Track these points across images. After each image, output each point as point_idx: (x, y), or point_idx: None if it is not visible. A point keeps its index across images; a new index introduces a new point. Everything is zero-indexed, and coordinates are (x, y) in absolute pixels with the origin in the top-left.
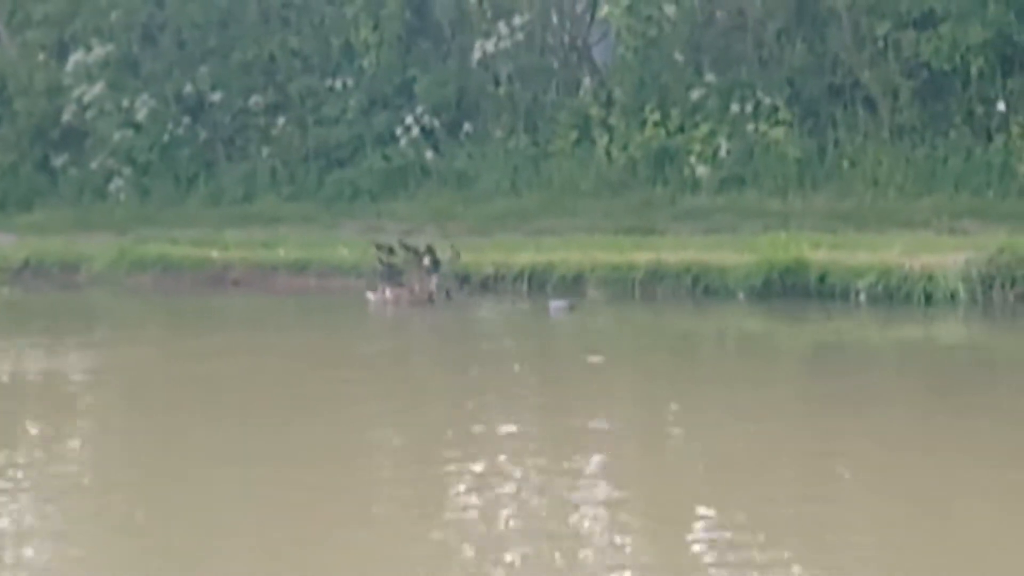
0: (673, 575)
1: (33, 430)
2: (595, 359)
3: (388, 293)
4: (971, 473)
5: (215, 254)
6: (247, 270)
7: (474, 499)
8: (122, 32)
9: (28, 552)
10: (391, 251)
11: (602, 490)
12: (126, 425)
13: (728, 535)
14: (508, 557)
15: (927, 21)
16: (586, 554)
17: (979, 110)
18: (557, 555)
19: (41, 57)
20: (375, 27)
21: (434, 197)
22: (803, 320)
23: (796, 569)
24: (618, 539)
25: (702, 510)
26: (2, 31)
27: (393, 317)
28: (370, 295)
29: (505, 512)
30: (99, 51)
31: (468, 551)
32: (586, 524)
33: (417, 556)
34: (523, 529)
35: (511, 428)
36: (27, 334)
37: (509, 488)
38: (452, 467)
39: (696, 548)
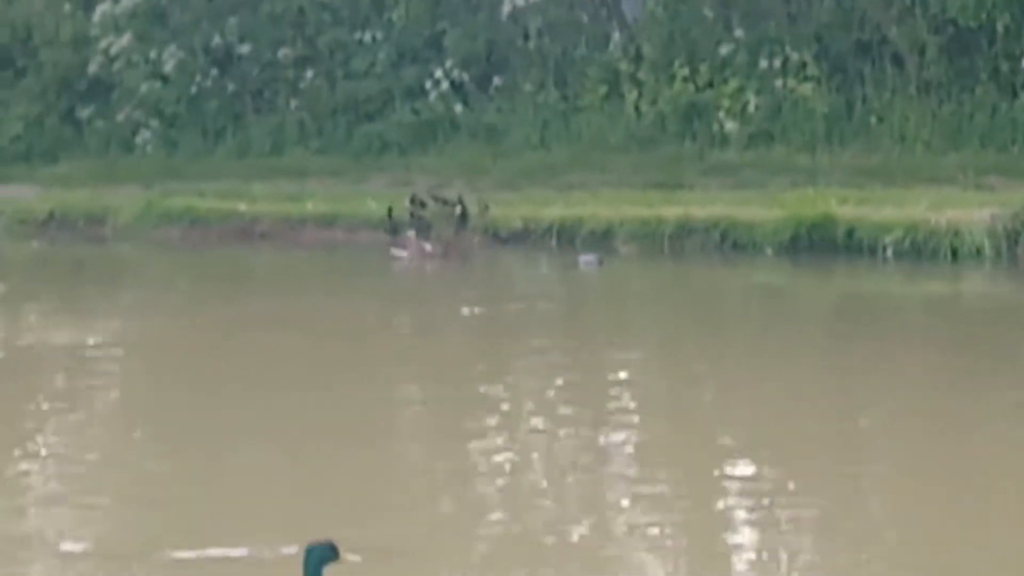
0: (698, 502)
1: (50, 404)
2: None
3: (418, 247)
4: (990, 421)
5: (243, 207)
6: (274, 223)
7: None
8: None
9: (59, 511)
10: (423, 204)
11: (635, 421)
12: (153, 396)
13: (752, 470)
14: (543, 483)
15: None
16: (616, 478)
17: (1005, 67)
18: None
19: (67, 7)
20: None
21: (463, 151)
22: (830, 274)
23: (819, 502)
24: (649, 465)
25: (727, 441)
26: None
27: (418, 269)
28: (396, 251)
29: (543, 447)
30: (126, 2)
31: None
32: (617, 450)
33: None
34: (552, 458)
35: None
36: (53, 296)
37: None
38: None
39: (720, 479)
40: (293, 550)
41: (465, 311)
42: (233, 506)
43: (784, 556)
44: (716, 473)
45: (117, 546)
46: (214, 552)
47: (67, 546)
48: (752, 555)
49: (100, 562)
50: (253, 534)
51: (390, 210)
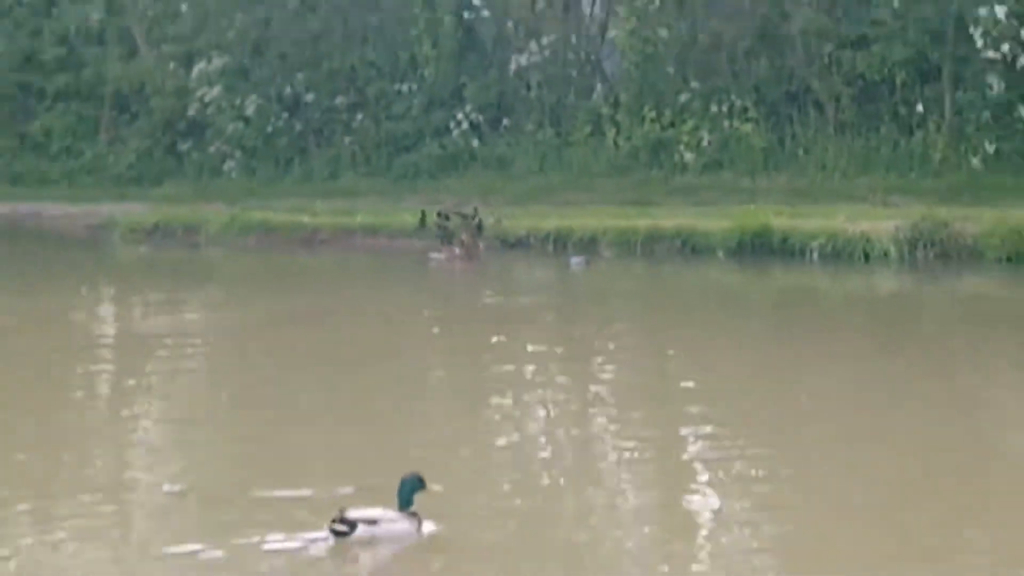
0: (665, 437)
1: (154, 376)
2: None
3: (445, 252)
4: (901, 387)
5: (306, 219)
6: (331, 232)
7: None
8: (236, 46)
9: (161, 460)
10: (447, 218)
11: (615, 378)
12: (236, 368)
13: (710, 429)
14: (543, 413)
15: (862, 42)
16: (599, 417)
17: (903, 111)
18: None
19: (172, 66)
20: (434, 44)
21: (479, 177)
22: (769, 273)
23: (765, 450)
24: (620, 424)
25: (692, 409)
26: (142, 44)
27: (447, 268)
28: (433, 254)
29: (531, 408)
30: (217, 62)
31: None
32: (600, 399)
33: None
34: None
35: (540, 346)
36: (157, 290)
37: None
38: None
39: (683, 418)
40: (349, 490)
41: (486, 299)
42: (300, 455)
43: (736, 488)
44: (679, 411)
45: (208, 488)
46: (285, 492)
47: (167, 487)
48: (707, 477)
49: (195, 500)
50: (315, 478)
51: (423, 218)
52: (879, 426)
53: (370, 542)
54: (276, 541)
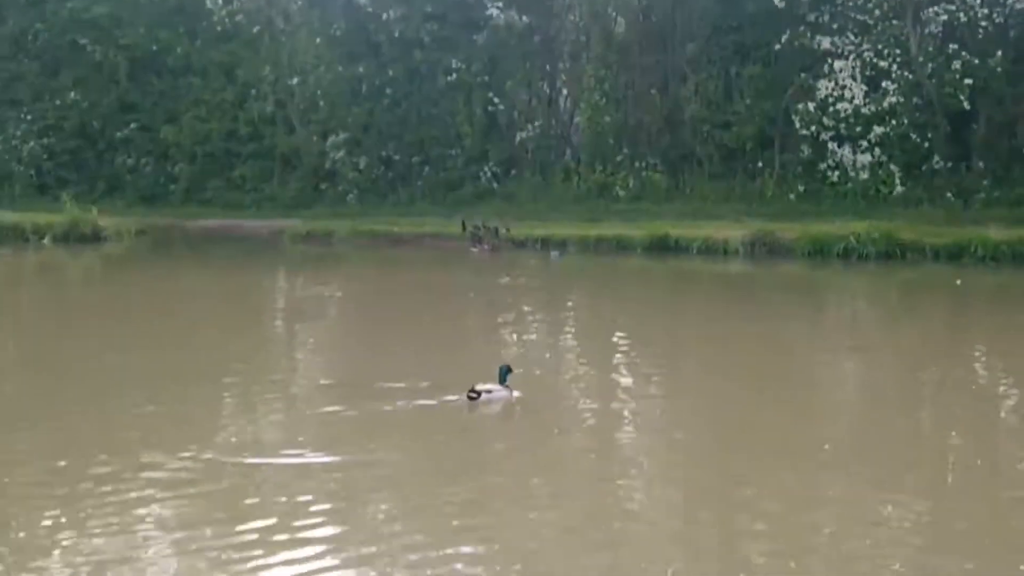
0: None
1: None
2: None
3: (478, 248)
4: (740, 328)
5: (396, 229)
6: (411, 237)
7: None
8: (353, 126)
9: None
10: (477, 228)
11: (573, 322)
12: (344, 329)
13: (623, 340)
14: (534, 355)
15: (727, 124)
16: (561, 344)
17: (750, 166)
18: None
19: (315, 138)
20: (470, 124)
21: (497, 205)
22: (667, 262)
23: (659, 369)
24: (578, 339)
25: (618, 333)
26: (297, 125)
27: (479, 259)
28: (472, 249)
29: (531, 334)
30: (342, 135)
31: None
32: (566, 333)
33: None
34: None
35: (526, 309)
36: (306, 273)
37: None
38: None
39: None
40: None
41: (503, 279)
42: (414, 362)
43: (658, 411)
44: (609, 334)
45: (346, 382)
46: (401, 384)
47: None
48: (636, 406)
49: (343, 391)
50: (410, 375)
51: (464, 227)
52: (725, 351)
53: (488, 402)
54: (424, 400)
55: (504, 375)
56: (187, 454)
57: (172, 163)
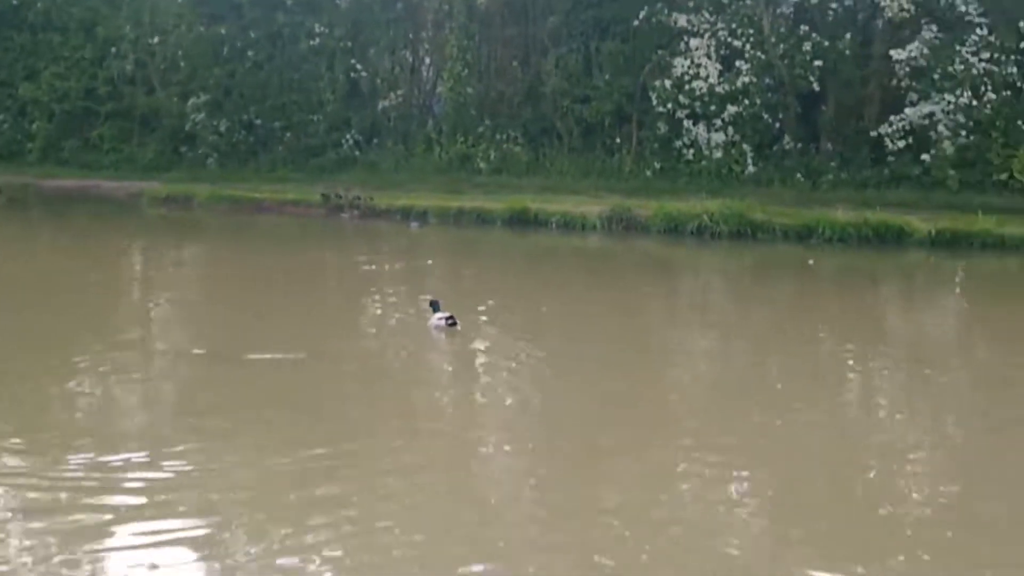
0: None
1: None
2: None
3: (348, 215)
4: (594, 296)
5: (256, 195)
6: (273, 203)
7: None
8: (214, 88)
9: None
10: (338, 196)
11: (431, 287)
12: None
13: (487, 302)
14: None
15: (587, 99)
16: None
17: (608, 142)
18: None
19: (175, 99)
20: (332, 91)
21: (359, 174)
22: (527, 236)
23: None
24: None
25: (476, 296)
26: (157, 86)
27: (349, 226)
28: (343, 215)
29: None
30: (203, 97)
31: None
32: (424, 293)
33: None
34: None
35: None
36: (168, 235)
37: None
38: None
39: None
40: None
41: (361, 257)
42: (278, 323)
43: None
44: (471, 297)
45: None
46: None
47: (195, 351)
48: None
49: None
50: (287, 341)
51: (324, 198)
52: (580, 318)
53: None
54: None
55: (437, 306)
56: (27, 435)
57: (29, 120)
